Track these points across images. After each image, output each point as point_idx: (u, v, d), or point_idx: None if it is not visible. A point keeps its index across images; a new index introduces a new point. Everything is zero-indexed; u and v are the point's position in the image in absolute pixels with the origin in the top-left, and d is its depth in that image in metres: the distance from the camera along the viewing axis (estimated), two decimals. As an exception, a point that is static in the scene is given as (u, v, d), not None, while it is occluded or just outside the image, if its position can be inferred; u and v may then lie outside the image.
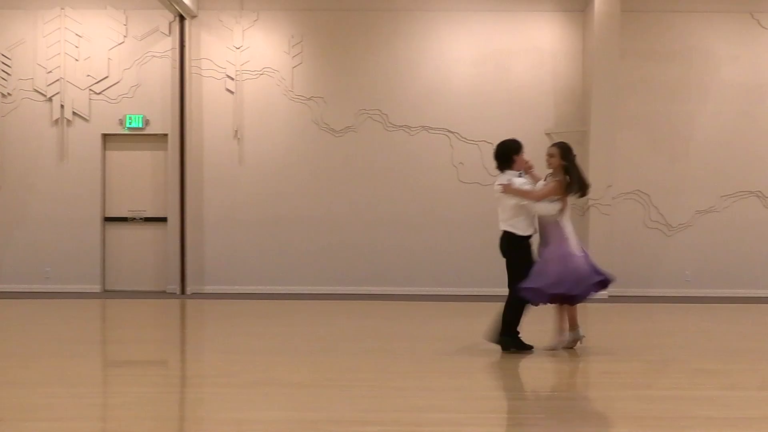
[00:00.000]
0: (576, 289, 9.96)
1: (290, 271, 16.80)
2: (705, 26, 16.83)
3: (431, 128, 16.86)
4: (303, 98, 16.87)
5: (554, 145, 10.54)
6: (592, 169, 16.17)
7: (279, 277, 16.77)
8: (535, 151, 16.70)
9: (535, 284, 9.90)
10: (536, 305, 10.20)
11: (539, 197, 10.12)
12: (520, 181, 10.28)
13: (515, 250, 10.20)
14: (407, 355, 9.91)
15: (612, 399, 7.78)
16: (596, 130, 16.26)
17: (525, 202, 10.15)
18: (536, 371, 9.08)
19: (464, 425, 6.65)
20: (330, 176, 16.87)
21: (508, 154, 10.37)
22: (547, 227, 10.23)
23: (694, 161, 16.78)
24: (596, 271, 10.11)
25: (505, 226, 10.30)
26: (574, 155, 10.32)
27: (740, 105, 16.74)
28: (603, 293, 14.84)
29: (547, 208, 10.12)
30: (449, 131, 16.86)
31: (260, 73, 16.88)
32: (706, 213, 16.73)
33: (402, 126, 16.88)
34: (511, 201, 10.20)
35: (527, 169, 10.51)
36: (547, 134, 16.75)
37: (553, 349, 10.08)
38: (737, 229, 16.68)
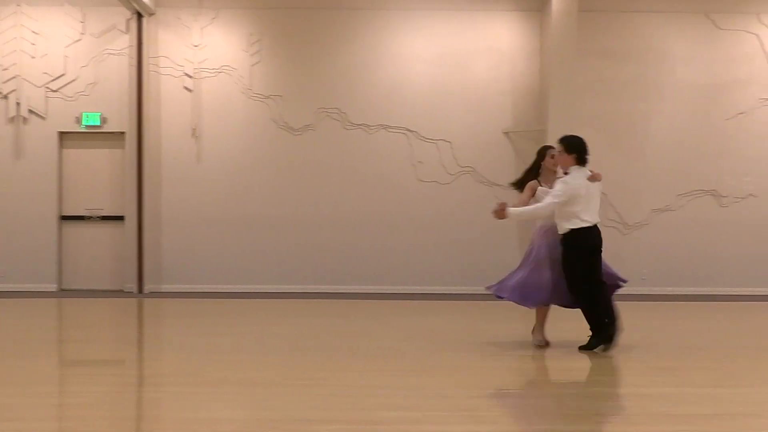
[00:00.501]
0: None
1: (249, 269, 16.76)
2: (661, 26, 16.97)
3: (390, 127, 16.87)
4: (261, 96, 16.83)
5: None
6: (549, 168, 16.27)
7: (238, 276, 16.73)
8: (495, 151, 16.91)
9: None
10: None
11: None
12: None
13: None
14: (367, 354, 9.93)
15: (569, 396, 7.83)
16: (554, 129, 16.32)
17: None
18: (495, 370, 9.12)
19: (423, 423, 6.67)
20: (288, 174, 16.84)
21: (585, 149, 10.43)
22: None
23: (651, 160, 16.92)
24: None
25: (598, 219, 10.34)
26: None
27: (696, 105, 16.90)
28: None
29: None
30: (408, 130, 16.89)
31: (219, 71, 16.82)
32: (663, 212, 16.88)
33: (361, 125, 16.88)
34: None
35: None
36: (505, 133, 16.84)
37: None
38: (693, 227, 16.83)
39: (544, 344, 10.47)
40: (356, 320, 13.29)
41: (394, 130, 16.88)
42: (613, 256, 16.74)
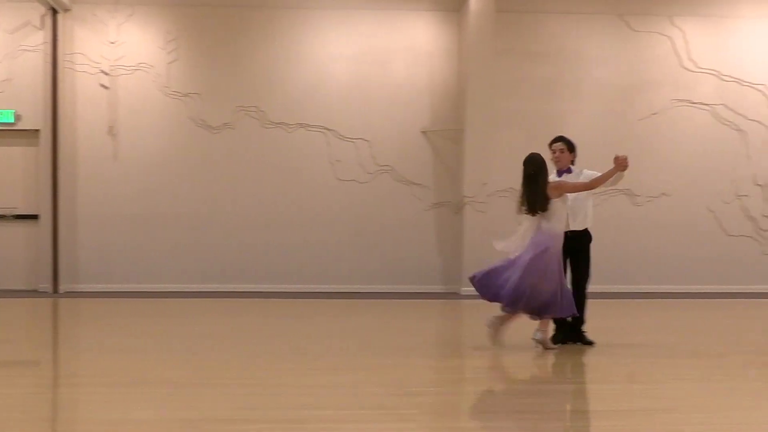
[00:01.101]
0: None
1: (167, 268, 16.62)
2: (577, 27, 17.20)
3: (309, 126, 16.87)
4: (179, 94, 16.71)
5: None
6: (467, 167, 16.42)
7: (156, 275, 16.58)
8: (413, 150, 16.98)
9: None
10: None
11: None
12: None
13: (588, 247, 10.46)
14: (286, 353, 9.91)
15: (490, 394, 7.90)
16: (471, 128, 16.49)
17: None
18: (416, 369, 9.16)
19: (345, 422, 6.69)
20: (206, 173, 16.74)
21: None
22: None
23: (567, 160, 17.10)
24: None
25: (585, 225, 10.50)
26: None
27: (611, 105, 17.16)
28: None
29: None
30: (327, 129, 16.89)
31: (136, 68, 16.66)
32: (578, 210, 17.07)
33: (279, 123, 16.85)
34: (590, 198, 10.52)
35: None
36: (423, 132, 16.93)
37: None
38: (608, 226, 17.04)
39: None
40: (276, 319, 13.26)
41: (312, 129, 16.88)
42: (529, 254, 16.97)
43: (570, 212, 10.31)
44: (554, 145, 10.60)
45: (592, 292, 16.74)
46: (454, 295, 16.29)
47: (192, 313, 13.93)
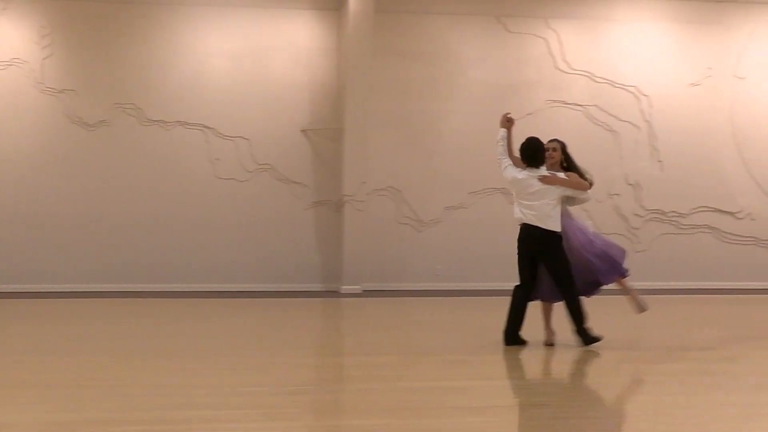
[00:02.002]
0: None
1: (42, 269, 16.27)
2: (455, 28, 17.40)
3: (188, 123, 16.71)
4: (54, 91, 16.38)
5: (555, 140, 10.59)
6: (346, 166, 16.49)
7: (32, 276, 16.20)
8: (293, 148, 16.97)
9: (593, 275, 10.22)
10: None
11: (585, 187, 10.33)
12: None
13: (558, 248, 10.18)
14: (167, 353, 9.84)
15: (367, 391, 7.96)
16: (351, 127, 16.55)
17: (569, 193, 10.27)
18: (296, 367, 9.18)
19: (220, 422, 6.68)
20: (82, 171, 16.45)
21: (539, 150, 10.34)
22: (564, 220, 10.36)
23: (445, 159, 17.32)
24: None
25: (548, 224, 10.19)
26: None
27: (487, 105, 17.34)
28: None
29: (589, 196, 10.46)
30: (206, 127, 16.76)
31: (9, 63, 16.27)
32: (455, 209, 17.30)
33: (158, 120, 16.66)
34: (553, 196, 10.18)
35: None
36: (303, 131, 16.94)
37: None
38: (484, 224, 17.29)
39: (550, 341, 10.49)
40: (154, 319, 13.13)
41: (191, 127, 16.73)
42: (408, 252, 17.16)
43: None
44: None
45: (472, 290, 16.99)
46: (335, 294, 16.34)
47: (68, 314, 13.71)
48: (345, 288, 16.42)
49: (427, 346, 10.53)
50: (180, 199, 16.67)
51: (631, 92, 17.80)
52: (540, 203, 10.19)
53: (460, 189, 17.30)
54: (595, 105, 17.67)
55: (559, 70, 17.65)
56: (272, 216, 16.84)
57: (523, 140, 10.42)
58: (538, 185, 10.21)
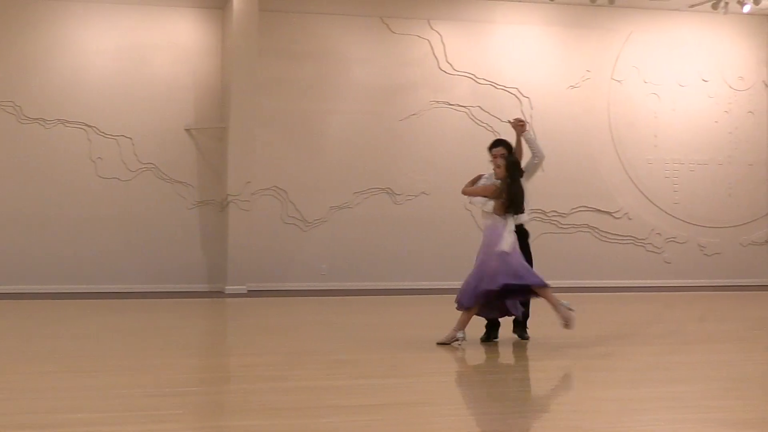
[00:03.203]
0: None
1: None
2: (339, 28, 17.47)
3: (68, 122, 16.46)
4: (-72, 87, 15.99)
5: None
6: (231, 166, 16.44)
7: None
8: (176, 148, 16.82)
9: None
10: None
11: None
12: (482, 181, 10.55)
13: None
14: (45, 355, 9.68)
15: (249, 391, 7.96)
16: (235, 126, 16.50)
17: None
18: (181, 368, 9.12)
19: (106, 425, 6.60)
20: (-41, 170, 16.09)
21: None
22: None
23: (330, 159, 17.37)
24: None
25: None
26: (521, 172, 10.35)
27: (371, 105, 17.49)
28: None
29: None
30: (87, 125, 16.53)
31: None
32: (340, 209, 17.36)
33: (37, 119, 16.36)
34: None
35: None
36: (187, 130, 16.82)
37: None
38: (369, 223, 17.40)
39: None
40: (34, 321, 12.90)
41: (72, 125, 16.48)
42: (293, 251, 17.16)
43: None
44: (494, 149, 10.50)
45: (357, 289, 17.05)
46: (219, 294, 16.27)
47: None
48: (230, 288, 16.36)
49: (311, 346, 10.56)
50: (60, 199, 16.40)
51: (513, 94, 18.09)
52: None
53: (346, 188, 17.37)
54: (478, 106, 17.91)
55: (443, 71, 17.84)
56: (156, 216, 16.68)
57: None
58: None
